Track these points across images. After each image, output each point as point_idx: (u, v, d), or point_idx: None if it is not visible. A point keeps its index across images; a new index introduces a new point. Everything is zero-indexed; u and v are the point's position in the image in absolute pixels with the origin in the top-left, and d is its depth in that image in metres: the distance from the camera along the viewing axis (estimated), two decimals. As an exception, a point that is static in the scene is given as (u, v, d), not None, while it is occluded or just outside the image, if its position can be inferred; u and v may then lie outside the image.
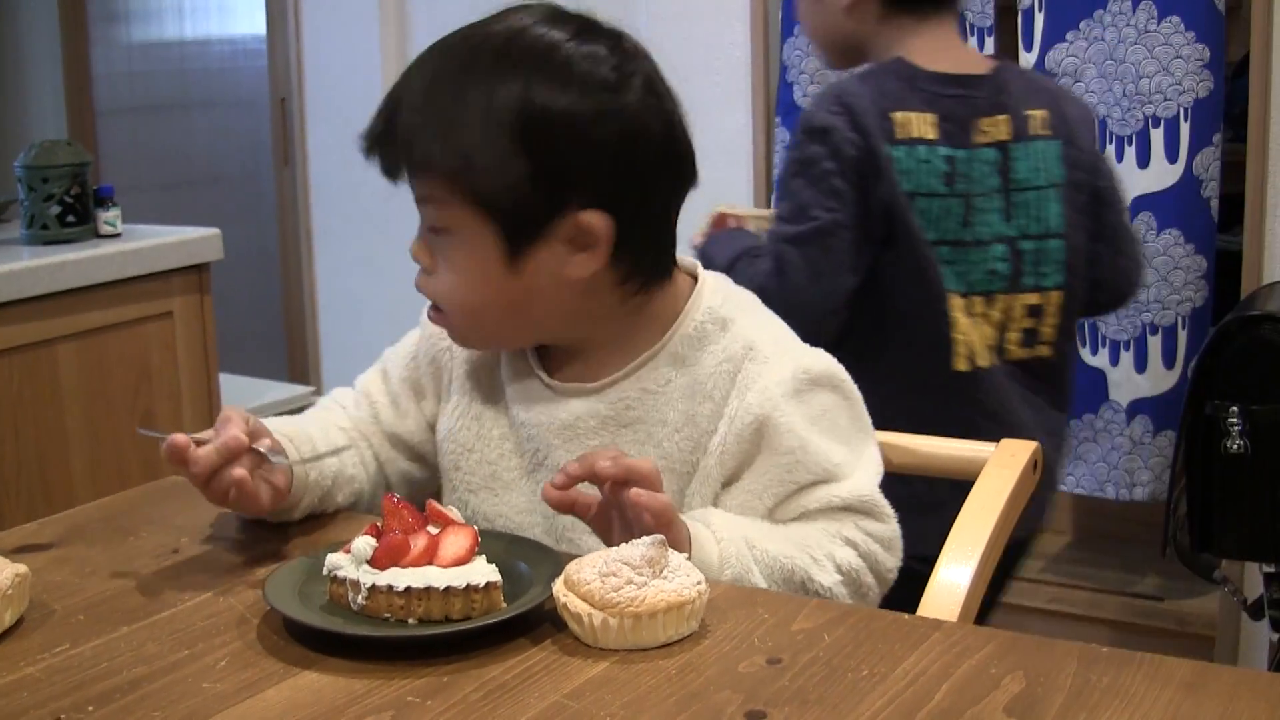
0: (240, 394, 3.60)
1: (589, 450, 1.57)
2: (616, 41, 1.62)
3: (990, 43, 3.50)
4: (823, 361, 1.67)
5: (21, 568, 1.48)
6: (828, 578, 1.59)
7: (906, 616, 1.42)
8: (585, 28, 1.63)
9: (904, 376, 2.38)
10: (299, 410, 3.60)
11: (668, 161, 1.62)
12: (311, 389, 4.10)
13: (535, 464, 1.73)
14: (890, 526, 1.66)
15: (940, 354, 2.39)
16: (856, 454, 1.67)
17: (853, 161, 2.32)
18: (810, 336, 1.75)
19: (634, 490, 1.48)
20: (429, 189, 1.61)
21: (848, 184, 2.32)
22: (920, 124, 2.36)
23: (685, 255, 1.74)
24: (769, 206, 3.74)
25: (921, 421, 1.99)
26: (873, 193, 2.33)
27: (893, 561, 1.66)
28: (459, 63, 1.60)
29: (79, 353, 3.11)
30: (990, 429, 2.10)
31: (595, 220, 1.57)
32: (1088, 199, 2.45)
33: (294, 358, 4.96)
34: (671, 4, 3.90)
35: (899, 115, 2.35)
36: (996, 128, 2.38)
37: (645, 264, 1.65)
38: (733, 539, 1.56)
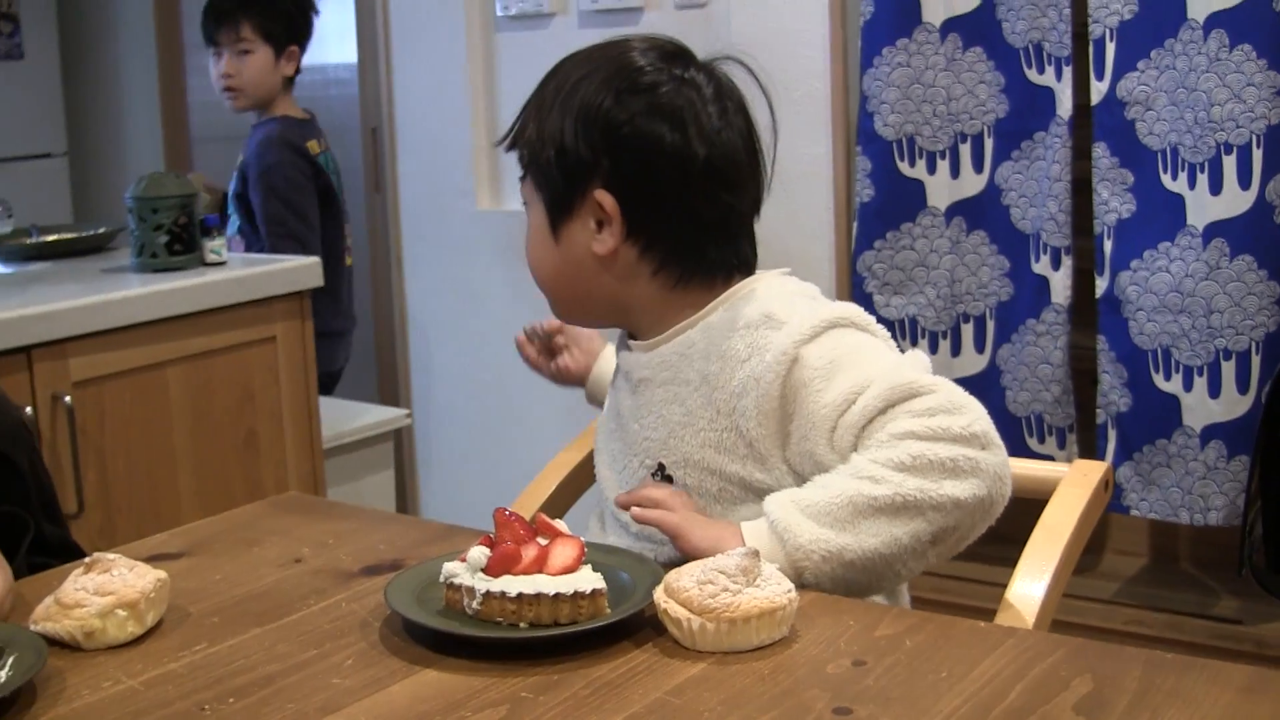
0: (339, 416, 3.70)
1: (639, 405, 1.86)
2: (675, 64, 1.84)
3: (1068, 72, 3.55)
4: (834, 308, 1.78)
5: (162, 573, 1.60)
6: (887, 487, 1.62)
7: (983, 624, 1.52)
8: (663, 52, 1.86)
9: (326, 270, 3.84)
10: (396, 431, 3.71)
11: (678, 163, 1.78)
12: (406, 412, 4.20)
13: (616, 423, 1.93)
14: (941, 393, 1.67)
15: (339, 256, 4.19)
16: (880, 363, 1.72)
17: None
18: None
19: (633, 510, 1.74)
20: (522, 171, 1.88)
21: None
22: (317, 144, 4.17)
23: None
24: (850, 231, 3.83)
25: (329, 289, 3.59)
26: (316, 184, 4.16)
27: (966, 418, 1.64)
28: (552, 71, 1.88)
29: (187, 375, 3.23)
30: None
31: (605, 199, 1.78)
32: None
33: (384, 380, 5.06)
34: (753, 32, 3.98)
35: (308, 144, 4.11)
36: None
37: (678, 257, 1.82)
38: (782, 516, 1.65)
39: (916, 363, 1.76)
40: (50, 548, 1.92)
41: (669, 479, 1.81)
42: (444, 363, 4.80)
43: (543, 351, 2.24)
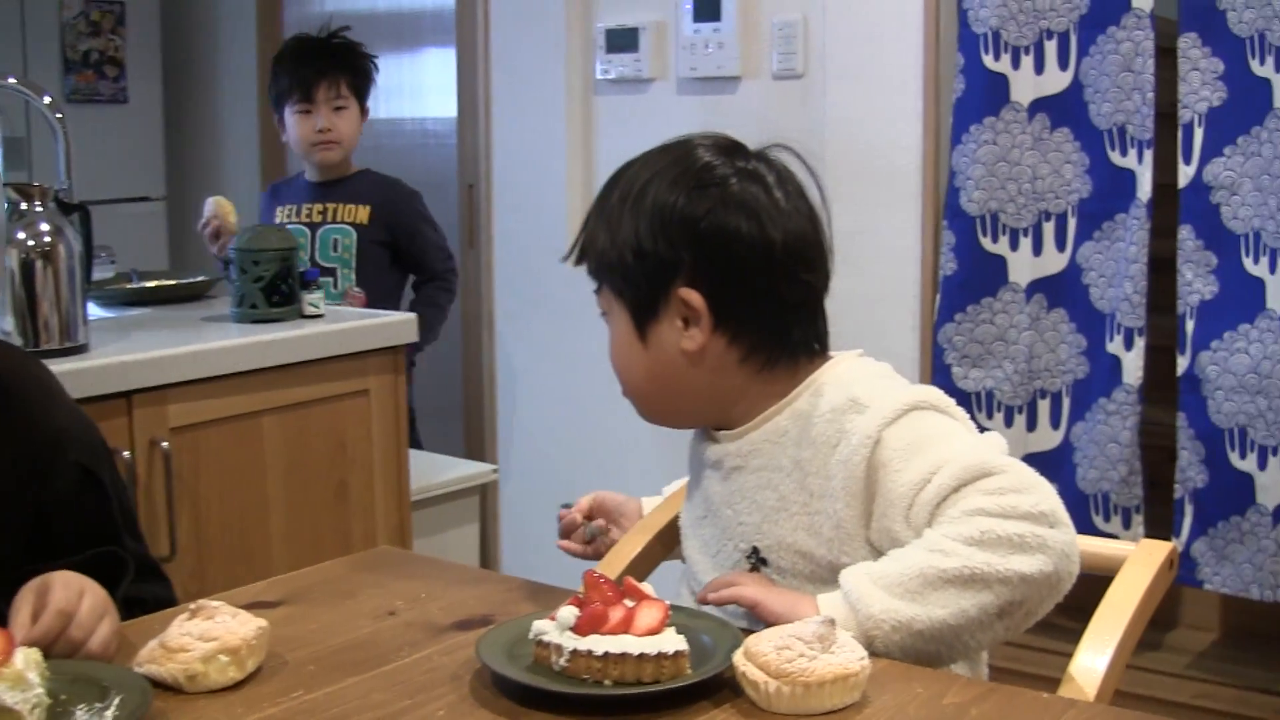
0: (427, 470, 3.78)
1: (731, 492, 1.92)
2: (736, 157, 1.90)
3: (1149, 155, 3.60)
4: (915, 391, 1.85)
5: (262, 622, 1.68)
6: (956, 560, 1.67)
7: (1045, 695, 1.58)
8: (721, 146, 1.91)
9: None
10: (482, 486, 3.77)
11: (758, 251, 1.84)
12: (494, 468, 4.27)
13: (706, 510, 1.98)
14: (1013, 474, 1.73)
15: None
16: (957, 444, 1.79)
17: None
18: None
19: (710, 596, 1.83)
20: (595, 282, 1.94)
21: None
22: None
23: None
24: (933, 307, 3.88)
25: None
26: None
27: (1034, 497, 1.70)
28: (613, 179, 1.94)
29: (281, 425, 3.30)
30: None
31: (692, 296, 1.84)
32: None
33: (470, 435, 5.12)
34: (848, 105, 4.05)
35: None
36: None
37: (765, 343, 1.88)
38: (855, 587, 1.72)
39: (993, 444, 1.83)
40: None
41: (763, 561, 1.88)
42: (530, 420, 4.86)
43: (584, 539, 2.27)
